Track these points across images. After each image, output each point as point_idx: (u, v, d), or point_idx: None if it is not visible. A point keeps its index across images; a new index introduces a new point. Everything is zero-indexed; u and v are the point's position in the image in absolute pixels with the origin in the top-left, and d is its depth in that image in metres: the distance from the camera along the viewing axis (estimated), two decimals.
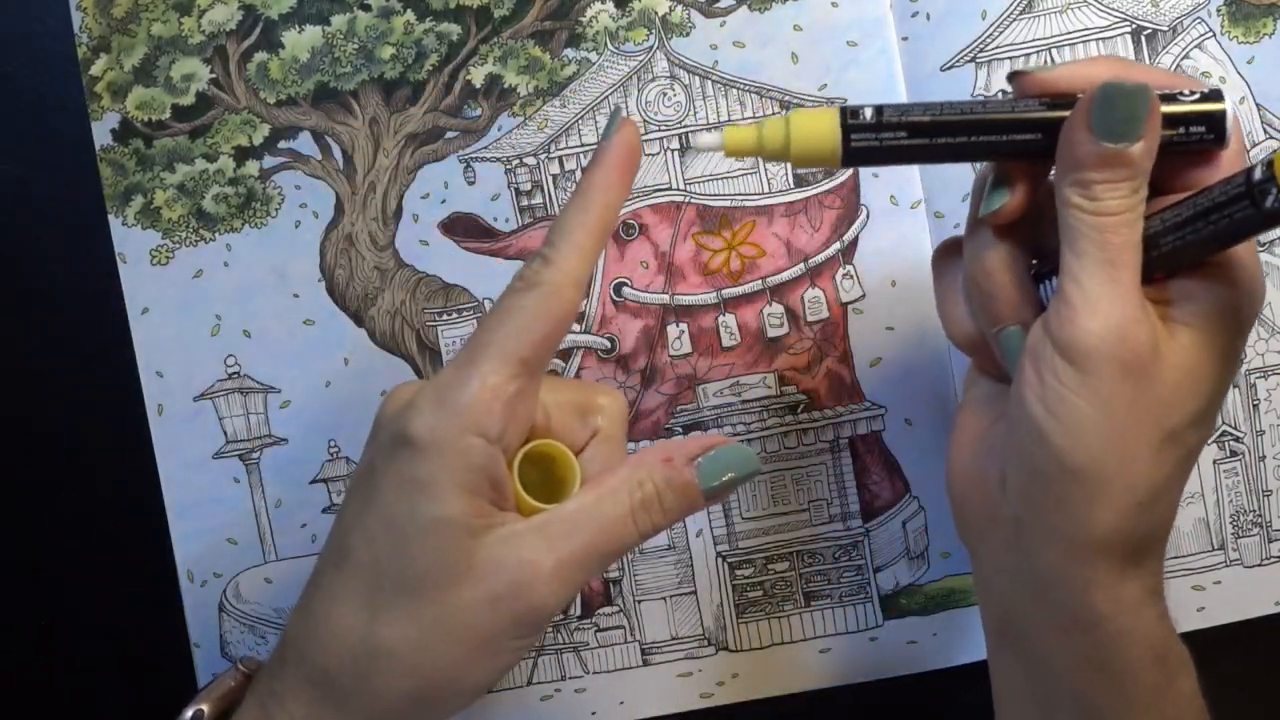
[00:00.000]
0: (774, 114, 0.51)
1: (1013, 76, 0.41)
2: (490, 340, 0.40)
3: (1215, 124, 0.39)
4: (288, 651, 0.42)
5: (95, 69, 0.54)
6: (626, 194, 0.42)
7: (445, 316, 0.55)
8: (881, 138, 0.40)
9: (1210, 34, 0.54)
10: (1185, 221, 0.38)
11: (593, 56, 0.55)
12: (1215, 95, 0.39)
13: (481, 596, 0.39)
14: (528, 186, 0.55)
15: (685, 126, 0.55)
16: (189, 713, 0.44)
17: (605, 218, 0.41)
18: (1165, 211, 0.39)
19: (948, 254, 0.46)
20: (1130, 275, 0.38)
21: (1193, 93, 0.40)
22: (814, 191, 0.55)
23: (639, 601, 0.55)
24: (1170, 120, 0.39)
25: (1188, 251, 0.38)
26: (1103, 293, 0.38)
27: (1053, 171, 0.40)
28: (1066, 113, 0.39)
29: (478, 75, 0.55)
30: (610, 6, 0.54)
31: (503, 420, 0.40)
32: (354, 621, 0.40)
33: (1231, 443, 0.55)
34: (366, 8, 0.54)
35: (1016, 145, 0.40)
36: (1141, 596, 0.40)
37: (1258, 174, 0.36)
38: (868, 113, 0.40)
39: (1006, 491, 0.41)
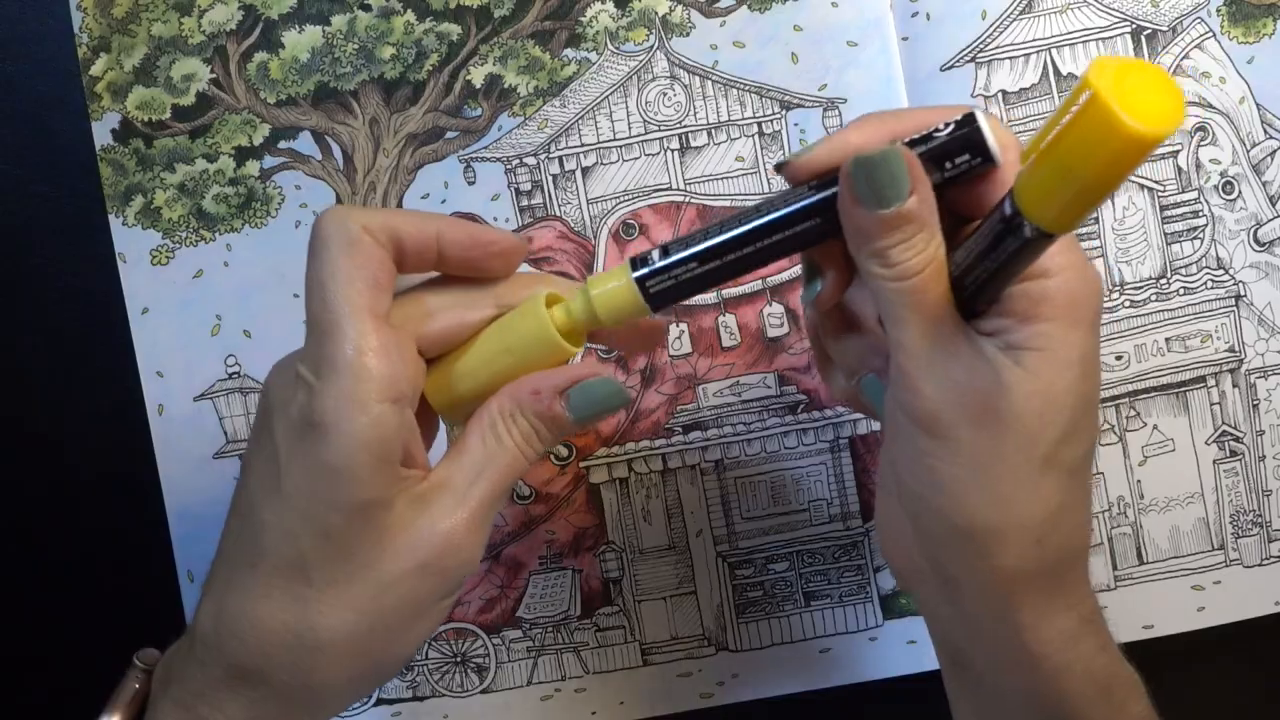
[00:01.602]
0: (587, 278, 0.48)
1: (779, 167, 0.41)
2: (331, 306, 0.38)
3: (976, 147, 0.38)
4: (202, 651, 0.40)
5: (95, 69, 0.54)
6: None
7: None
8: (675, 275, 0.40)
9: (1210, 34, 0.54)
10: (976, 260, 0.37)
11: (593, 56, 0.55)
12: (967, 120, 0.38)
13: (410, 567, 0.39)
14: (528, 186, 0.55)
15: (685, 126, 0.55)
16: None
17: None
18: (964, 247, 0.38)
19: (814, 322, 0.46)
20: (950, 326, 0.38)
21: (946, 124, 0.38)
22: None
23: (639, 601, 0.55)
24: (934, 158, 0.38)
25: (994, 284, 0.38)
26: (930, 354, 0.38)
27: None
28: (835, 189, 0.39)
29: (478, 75, 0.55)
30: (610, 6, 0.54)
31: (394, 370, 0.38)
32: (286, 618, 0.39)
33: (1231, 443, 0.55)
34: (366, 8, 0.54)
35: (806, 235, 0.40)
36: (1075, 629, 0.40)
37: (1007, 207, 0.35)
38: (655, 256, 0.40)
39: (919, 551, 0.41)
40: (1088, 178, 0.32)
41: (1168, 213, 0.54)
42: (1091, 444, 0.40)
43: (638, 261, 0.40)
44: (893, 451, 0.40)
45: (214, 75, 0.55)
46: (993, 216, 0.36)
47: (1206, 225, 0.54)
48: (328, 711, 0.41)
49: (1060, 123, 0.31)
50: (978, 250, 0.37)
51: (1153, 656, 0.54)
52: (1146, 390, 0.54)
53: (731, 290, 0.55)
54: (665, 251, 0.40)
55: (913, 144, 0.38)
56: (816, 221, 0.39)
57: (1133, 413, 0.54)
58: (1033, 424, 0.38)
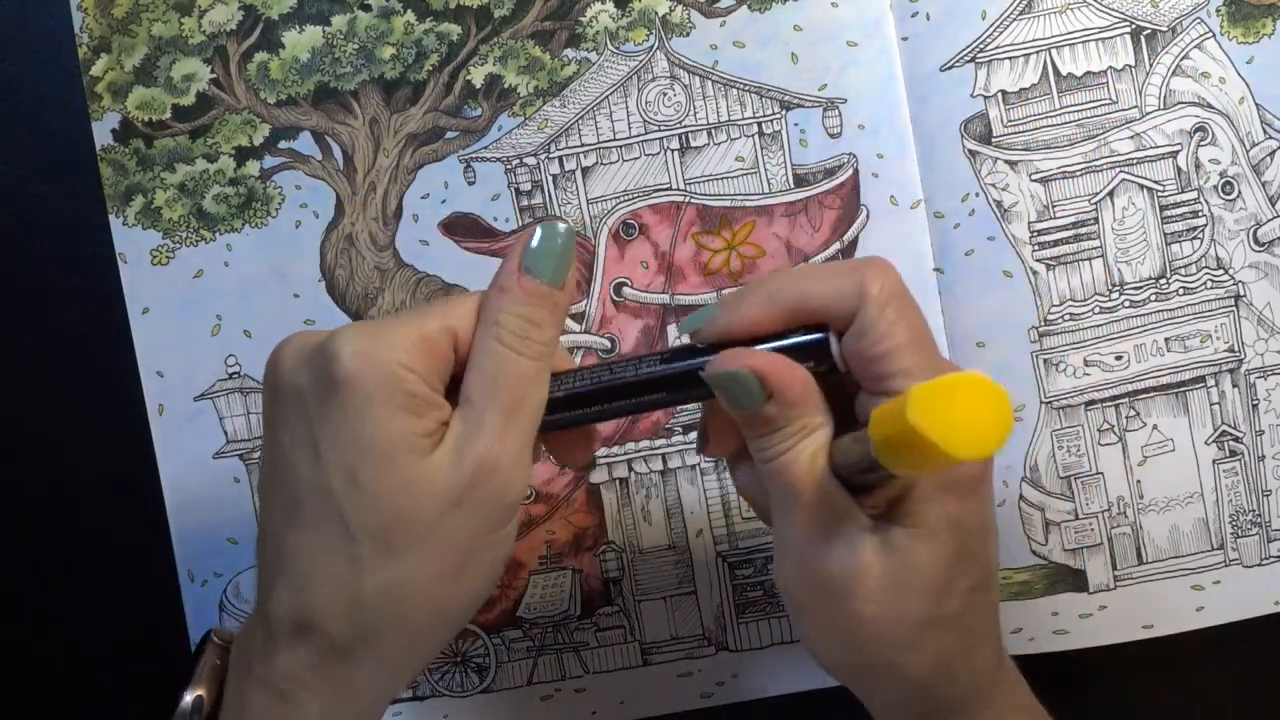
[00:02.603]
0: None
1: (691, 335, 0.43)
2: (423, 311, 0.41)
3: (819, 356, 0.40)
4: (275, 627, 0.40)
5: (96, 69, 0.54)
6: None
7: None
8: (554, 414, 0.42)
9: (1210, 34, 0.54)
10: (855, 461, 0.39)
11: (593, 56, 0.55)
12: (818, 327, 0.40)
13: (444, 506, 0.39)
14: (528, 186, 0.55)
15: (685, 126, 0.55)
16: (188, 698, 0.43)
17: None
18: (850, 437, 0.39)
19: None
20: (819, 509, 0.39)
21: (803, 328, 0.40)
22: (814, 191, 0.55)
23: (639, 601, 0.55)
24: (795, 352, 0.40)
25: (873, 480, 0.39)
26: (796, 536, 0.40)
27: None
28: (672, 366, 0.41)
29: (478, 75, 0.55)
30: (610, 6, 0.54)
31: (428, 359, 0.39)
32: (339, 574, 0.39)
33: (1231, 443, 0.55)
34: (366, 8, 0.54)
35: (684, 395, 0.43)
36: None
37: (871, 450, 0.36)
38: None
39: None
40: (923, 470, 0.35)
41: (1167, 213, 0.54)
42: (974, 584, 0.40)
43: None
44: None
45: (214, 75, 0.55)
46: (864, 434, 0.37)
47: (1206, 225, 0.54)
48: (408, 668, 0.42)
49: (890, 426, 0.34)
50: (852, 459, 0.39)
51: (1153, 656, 0.54)
52: (1146, 390, 0.54)
53: (732, 290, 0.55)
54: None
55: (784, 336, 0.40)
56: (661, 395, 0.42)
57: (1132, 413, 0.54)
58: (893, 599, 0.39)
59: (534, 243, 0.41)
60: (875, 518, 0.39)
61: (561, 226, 0.41)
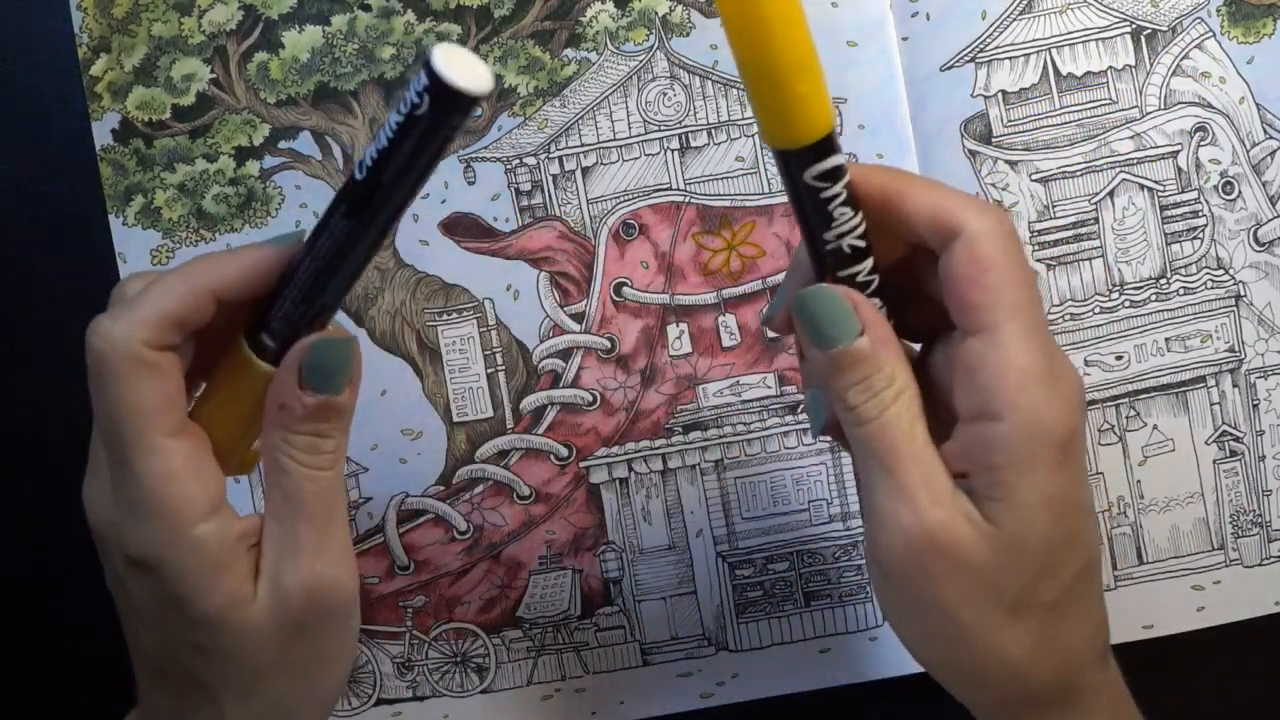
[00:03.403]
0: None
1: (765, 323, 0.42)
2: (125, 441, 0.37)
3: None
4: None
5: (95, 69, 0.54)
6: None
7: (445, 316, 0.55)
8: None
9: (1210, 34, 0.54)
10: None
11: (593, 56, 0.55)
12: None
13: (285, 638, 0.39)
14: (528, 186, 0.55)
15: (685, 126, 0.55)
16: None
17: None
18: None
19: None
20: (913, 471, 0.37)
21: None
22: None
23: (639, 601, 0.55)
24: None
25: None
26: (886, 503, 0.37)
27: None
28: None
29: None
30: (610, 6, 0.54)
31: (202, 485, 0.38)
32: None
33: (1231, 443, 0.55)
34: (366, 8, 0.54)
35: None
36: None
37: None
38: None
39: None
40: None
41: (1168, 213, 0.54)
42: (1078, 571, 0.39)
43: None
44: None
45: (214, 75, 0.55)
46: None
47: (1206, 225, 0.54)
48: None
49: None
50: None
51: (1153, 656, 0.54)
52: (1146, 390, 0.54)
53: (732, 290, 0.55)
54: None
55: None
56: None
57: (1133, 413, 0.54)
58: (994, 575, 0.37)
59: (312, 358, 0.38)
60: (959, 480, 0.38)
61: (342, 340, 0.39)
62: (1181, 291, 0.54)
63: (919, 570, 0.37)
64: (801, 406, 0.55)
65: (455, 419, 0.55)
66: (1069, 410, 0.37)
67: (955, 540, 0.37)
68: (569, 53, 0.55)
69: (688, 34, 0.55)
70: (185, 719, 0.40)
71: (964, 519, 0.37)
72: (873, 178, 0.38)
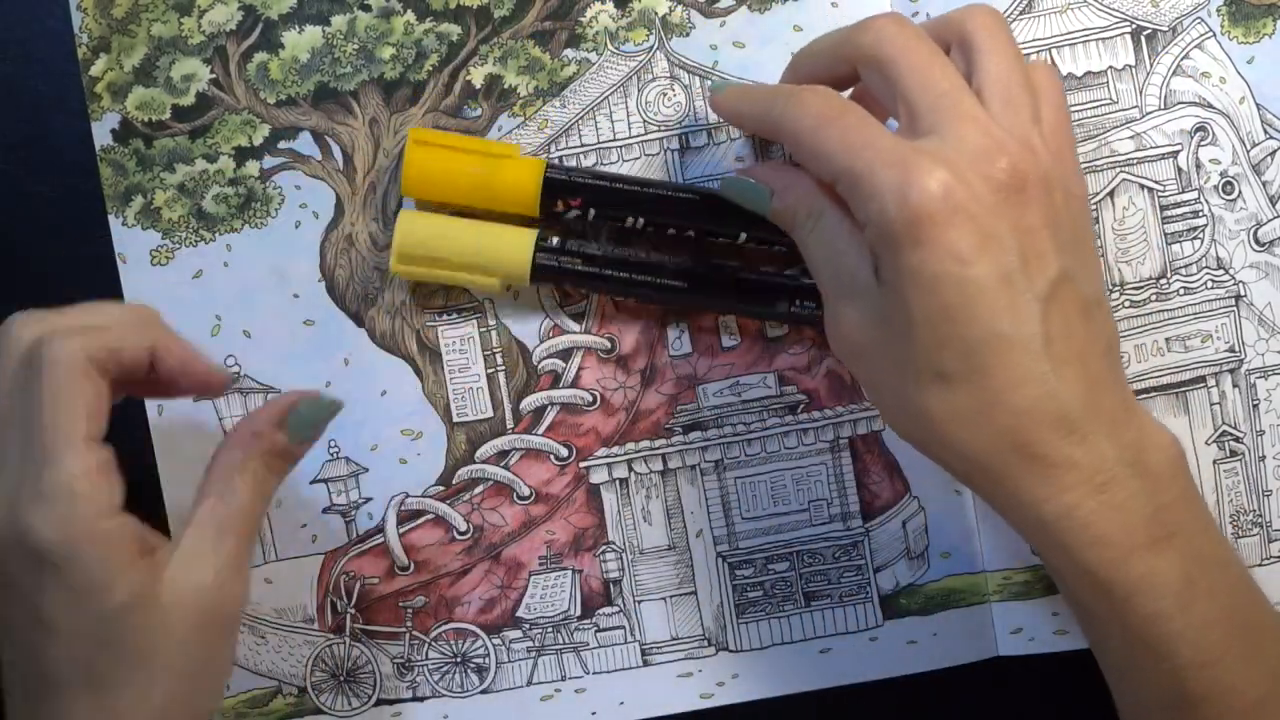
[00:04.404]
0: None
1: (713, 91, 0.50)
2: (49, 435, 0.41)
3: None
4: None
5: (95, 69, 0.54)
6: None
7: (445, 317, 0.55)
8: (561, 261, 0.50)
9: (1210, 34, 0.54)
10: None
11: (593, 56, 0.55)
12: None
13: (190, 640, 0.41)
14: None
15: (685, 127, 0.55)
16: None
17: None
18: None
19: None
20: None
21: None
22: None
23: (639, 601, 0.55)
24: None
25: None
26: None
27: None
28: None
29: (478, 75, 0.55)
30: (610, 6, 0.54)
31: (112, 487, 0.41)
32: None
33: (1231, 443, 0.55)
34: (366, 8, 0.54)
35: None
36: (1059, 498, 0.42)
37: None
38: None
39: None
40: None
41: (1168, 213, 0.54)
42: (979, 341, 0.41)
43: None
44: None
45: (214, 75, 0.55)
46: None
47: (1206, 225, 0.54)
48: None
49: None
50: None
51: None
52: (1146, 390, 0.54)
53: None
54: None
55: None
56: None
57: None
58: (888, 348, 0.42)
59: (303, 410, 0.45)
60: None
61: (333, 403, 0.45)
62: (1181, 291, 0.54)
63: (857, 366, 0.46)
64: (801, 406, 0.55)
65: (455, 419, 0.55)
66: (929, 191, 0.40)
67: (853, 333, 0.44)
68: (569, 53, 0.55)
69: (688, 34, 0.55)
70: None
71: (855, 311, 0.44)
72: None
